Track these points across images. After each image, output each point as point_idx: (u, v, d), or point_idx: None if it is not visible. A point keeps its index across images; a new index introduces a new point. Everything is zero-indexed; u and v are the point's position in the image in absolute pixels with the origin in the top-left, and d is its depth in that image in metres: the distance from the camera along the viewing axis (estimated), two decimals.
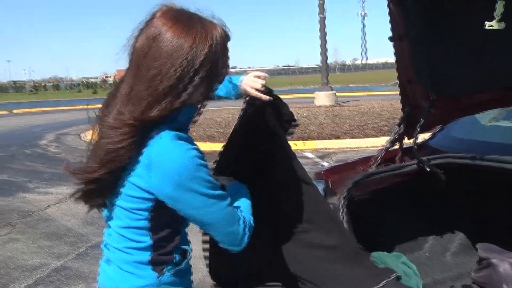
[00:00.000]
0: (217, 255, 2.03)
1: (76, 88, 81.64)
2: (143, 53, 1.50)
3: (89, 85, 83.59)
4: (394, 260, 2.84)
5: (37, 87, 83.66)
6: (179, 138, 1.50)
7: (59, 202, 8.10)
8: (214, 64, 1.53)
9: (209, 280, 2.22)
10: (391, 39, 2.76)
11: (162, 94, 1.48)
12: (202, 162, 1.52)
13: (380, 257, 2.80)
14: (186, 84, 1.49)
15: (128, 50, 1.56)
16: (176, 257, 1.67)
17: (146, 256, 1.63)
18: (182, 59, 1.47)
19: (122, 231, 1.65)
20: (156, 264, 1.64)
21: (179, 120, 1.57)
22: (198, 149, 1.53)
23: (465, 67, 2.67)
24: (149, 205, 1.56)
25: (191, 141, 1.55)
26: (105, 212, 1.73)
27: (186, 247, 1.71)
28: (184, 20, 1.52)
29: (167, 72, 1.47)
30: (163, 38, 1.48)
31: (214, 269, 2.11)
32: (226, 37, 1.58)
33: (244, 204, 1.74)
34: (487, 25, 2.23)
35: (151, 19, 1.53)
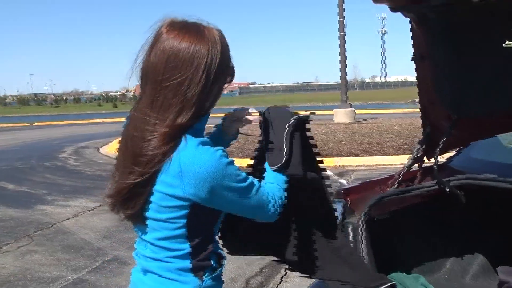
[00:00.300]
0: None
1: (96, 102, 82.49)
2: (162, 67, 1.55)
3: (109, 99, 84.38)
4: (412, 281, 2.81)
5: (58, 100, 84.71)
6: (204, 144, 1.57)
7: (77, 215, 8.14)
8: (226, 65, 1.66)
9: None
10: (413, 59, 2.75)
11: (191, 100, 1.55)
12: (229, 160, 1.60)
13: (398, 277, 2.78)
14: (210, 88, 1.59)
15: (141, 67, 1.62)
16: (213, 262, 1.73)
17: (188, 263, 1.67)
18: (204, 64, 1.55)
19: (160, 242, 1.68)
20: (196, 270, 1.68)
21: (196, 128, 1.62)
22: (222, 149, 1.60)
23: (487, 88, 2.65)
24: (185, 212, 1.60)
25: (212, 144, 1.60)
26: (138, 225, 1.75)
27: (220, 251, 1.78)
28: (192, 29, 1.60)
29: (192, 78, 1.54)
30: (180, 48, 1.55)
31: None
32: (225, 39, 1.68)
33: (278, 180, 1.84)
34: (506, 43, 2.23)
35: (159, 34, 1.59)
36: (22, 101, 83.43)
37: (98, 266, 5.71)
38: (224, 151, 1.60)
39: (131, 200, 1.63)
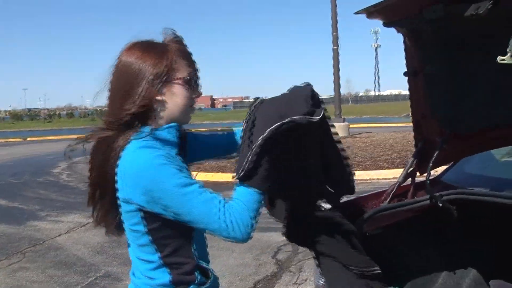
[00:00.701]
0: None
1: (90, 117, 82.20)
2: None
3: (103, 114, 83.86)
4: None
5: (52, 115, 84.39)
6: (146, 147, 1.61)
7: (70, 230, 8.11)
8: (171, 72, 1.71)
9: None
10: (406, 74, 2.76)
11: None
12: (164, 161, 1.57)
13: None
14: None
15: None
16: (198, 276, 1.71)
17: (167, 278, 1.66)
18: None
19: (135, 253, 1.72)
20: (178, 285, 1.67)
21: (159, 136, 1.68)
22: (164, 153, 1.60)
23: (481, 103, 2.66)
24: (139, 217, 1.63)
25: (160, 148, 1.64)
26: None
27: (204, 264, 1.75)
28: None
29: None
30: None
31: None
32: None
33: (242, 196, 1.63)
34: (499, 59, 2.23)
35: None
36: (15, 116, 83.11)
37: (90, 282, 5.68)
38: (166, 155, 1.59)
39: (105, 212, 1.78)
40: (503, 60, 2.23)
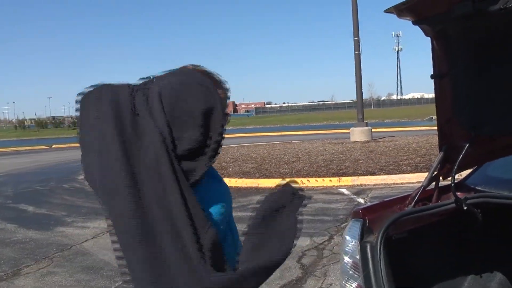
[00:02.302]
0: None
1: None
2: None
3: None
4: None
5: (76, 123, 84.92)
6: None
7: (96, 236, 8.21)
8: None
9: None
10: (432, 77, 2.78)
11: None
12: None
13: None
14: None
15: None
16: None
17: None
18: None
19: None
20: None
21: None
22: None
23: (506, 106, 2.67)
24: None
25: None
26: None
27: None
28: None
29: None
30: None
31: None
32: None
33: None
34: None
35: None
36: (40, 124, 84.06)
37: (117, 287, 5.75)
38: None
39: None
40: None
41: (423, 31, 2.54)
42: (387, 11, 2.39)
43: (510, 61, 2.50)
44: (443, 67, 2.68)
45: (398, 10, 2.36)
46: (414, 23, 2.42)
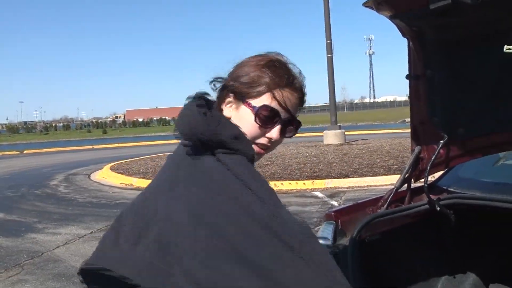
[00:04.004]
0: None
1: (86, 128, 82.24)
2: None
3: (99, 125, 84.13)
4: None
5: (48, 128, 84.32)
6: None
7: (68, 242, 8.10)
8: None
9: None
10: (407, 77, 2.78)
11: None
12: None
13: None
14: None
15: None
16: None
17: None
18: None
19: None
20: None
21: None
22: None
23: (480, 108, 2.68)
24: None
25: None
26: None
27: None
28: None
29: None
30: None
31: None
32: None
33: None
34: (506, 48, 2.26)
35: None
36: (12, 129, 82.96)
37: None
38: None
39: None
40: (510, 49, 2.26)
41: (400, 30, 2.53)
42: (366, 4, 2.38)
43: (483, 62, 2.51)
44: (419, 68, 2.69)
45: (377, 3, 2.35)
46: (392, 17, 2.40)
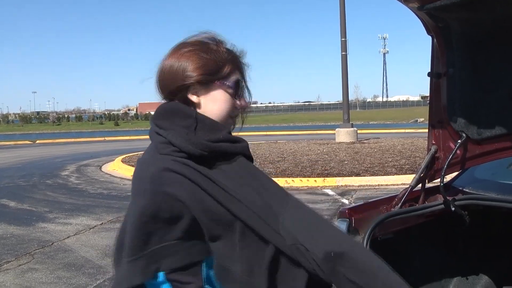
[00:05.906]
0: None
1: (98, 120, 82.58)
2: None
3: (111, 117, 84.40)
4: None
5: (60, 118, 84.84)
6: None
7: (78, 233, 8.12)
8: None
9: None
10: (429, 74, 2.75)
11: None
12: None
13: None
14: None
15: None
16: None
17: None
18: None
19: None
20: None
21: None
22: None
23: (500, 108, 2.65)
24: None
25: None
26: None
27: None
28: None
29: None
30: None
31: None
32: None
33: None
34: None
35: None
36: (25, 119, 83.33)
37: (99, 284, 5.68)
38: None
39: None
40: None
41: (425, 26, 2.51)
42: None
43: (506, 62, 2.48)
44: (441, 66, 2.66)
45: None
46: (419, 9, 2.35)
